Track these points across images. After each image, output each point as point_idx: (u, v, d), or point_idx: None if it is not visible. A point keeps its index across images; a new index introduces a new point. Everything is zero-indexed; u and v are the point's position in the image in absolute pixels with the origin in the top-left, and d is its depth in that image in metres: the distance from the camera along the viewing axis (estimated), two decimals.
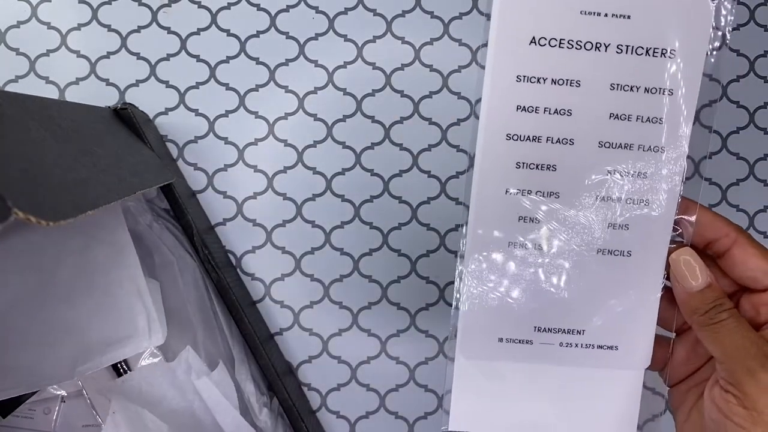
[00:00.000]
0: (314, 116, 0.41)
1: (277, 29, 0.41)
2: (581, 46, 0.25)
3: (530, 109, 0.25)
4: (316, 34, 0.41)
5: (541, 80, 0.25)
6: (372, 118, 0.41)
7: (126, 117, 0.35)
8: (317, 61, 0.41)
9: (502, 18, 0.25)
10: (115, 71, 0.41)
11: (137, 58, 0.41)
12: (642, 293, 0.27)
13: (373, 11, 0.41)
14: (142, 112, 0.39)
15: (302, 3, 0.41)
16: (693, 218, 0.26)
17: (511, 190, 0.26)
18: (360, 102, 0.41)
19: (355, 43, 0.41)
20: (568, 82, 0.25)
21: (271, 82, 0.41)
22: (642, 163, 0.26)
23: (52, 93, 0.40)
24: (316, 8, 0.41)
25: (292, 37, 0.41)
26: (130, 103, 0.37)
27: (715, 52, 0.26)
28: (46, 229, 0.26)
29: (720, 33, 0.26)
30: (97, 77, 0.40)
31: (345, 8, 0.41)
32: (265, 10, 0.41)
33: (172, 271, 0.37)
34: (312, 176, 0.41)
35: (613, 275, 0.26)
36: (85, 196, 0.22)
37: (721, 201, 0.42)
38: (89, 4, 0.40)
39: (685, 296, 0.25)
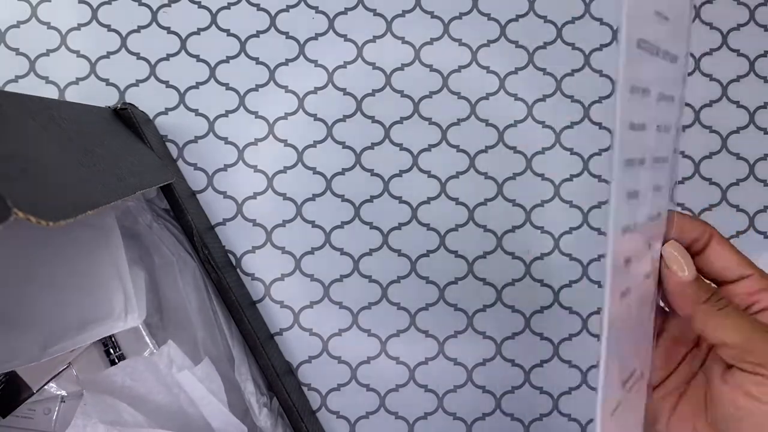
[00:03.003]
0: (314, 116, 0.41)
1: (277, 29, 0.41)
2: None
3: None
4: (316, 34, 0.41)
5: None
6: (372, 118, 0.41)
7: (126, 117, 0.35)
8: (317, 61, 0.41)
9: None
10: (115, 71, 0.41)
11: (137, 58, 0.41)
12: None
13: (373, 11, 0.41)
14: (142, 112, 0.39)
15: (302, 3, 0.41)
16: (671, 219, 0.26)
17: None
18: (360, 102, 0.41)
19: (355, 43, 0.41)
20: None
21: (271, 82, 0.41)
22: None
23: (52, 93, 0.40)
24: (316, 8, 0.41)
25: (292, 37, 0.41)
26: (130, 103, 0.37)
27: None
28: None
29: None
30: (97, 77, 0.40)
31: (345, 8, 0.41)
32: (265, 10, 0.41)
33: (172, 271, 0.37)
34: (312, 176, 0.41)
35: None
36: (85, 196, 0.22)
37: (721, 201, 0.42)
38: (89, 4, 0.40)
39: (682, 287, 0.25)
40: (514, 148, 0.42)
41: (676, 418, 0.27)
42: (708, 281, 0.27)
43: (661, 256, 0.26)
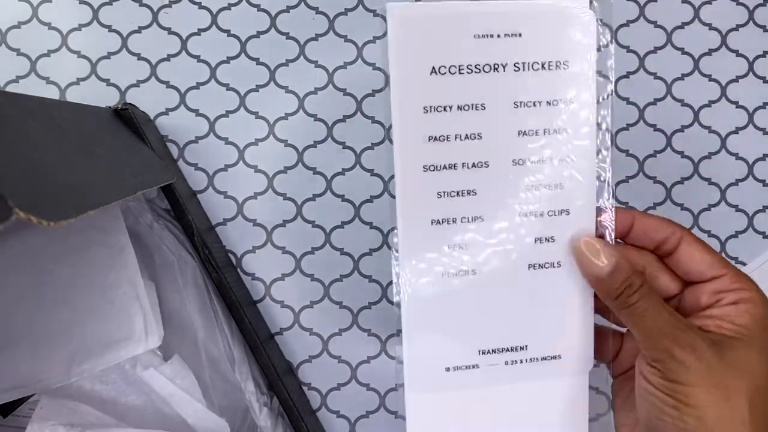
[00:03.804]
0: (314, 116, 0.41)
1: (277, 30, 0.41)
2: (480, 69, 0.25)
3: (441, 138, 0.26)
4: (316, 34, 0.41)
5: (448, 108, 0.26)
6: (372, 118, 0.41)
7: (126, 117, 0.35)
8: (317, 61, 0.41)
9: (398, 52, 0.25)
10: (115, 71, 0.41)
11: (138, 59, 0.41)
12: (576, 300, 0.27)
13: (373, 12, 0.41)
14: (143, 112, 0.39)
15: (302, 3, 0.41)
16: (611, 218, 0.27)
17: (437, 221, 0.26)
18: (360, 102, 0.41)
19: (355, 44, 0.41)
20: (473, 106, 0.26)
21: (272, 83, 0.41)
22: (556, 174, 0.26)
23: (52, 93, 0.40)
24: (316, 9, 0.41)
25: (293, 38, 0.41)
26: (131, 104, 0.38)
27: (603, 48, 0.26)
28: (44, 229, 0.26)
29: (608, 30, 0.26)
30: (98, 77, 0.41)
31: (345, 9, 0.41)
32: (265, 10, 0.41)
33: (173, 271, 0.37)
34: (312, 176, 0.41)
35: (546, 287, 0.27)
36: (86, 196, 0.22)
37: (720, 201, 0.42)
38: (90, 5, 0.40)
39: (595, 283, 0.26)
40: None
41: (633, 395, 0.28)
42: (674, 287, 0.28)
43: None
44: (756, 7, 0.42)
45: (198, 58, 0.41)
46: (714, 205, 0.42)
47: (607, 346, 0.29)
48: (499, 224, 0.26)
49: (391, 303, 0.42)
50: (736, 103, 0.42)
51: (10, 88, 0.40)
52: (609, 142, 0.27)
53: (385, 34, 0.24)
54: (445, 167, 0.26)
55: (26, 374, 0.31)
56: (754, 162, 0.42)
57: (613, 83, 0.27)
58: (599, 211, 0.27)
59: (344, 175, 0.41)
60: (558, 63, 0.26)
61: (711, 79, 0.42)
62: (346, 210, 0.41)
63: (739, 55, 0.42)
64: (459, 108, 0.25)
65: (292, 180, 0.41)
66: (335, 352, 0.42)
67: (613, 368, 0.30)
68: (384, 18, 0.25)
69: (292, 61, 0.41)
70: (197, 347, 0.37)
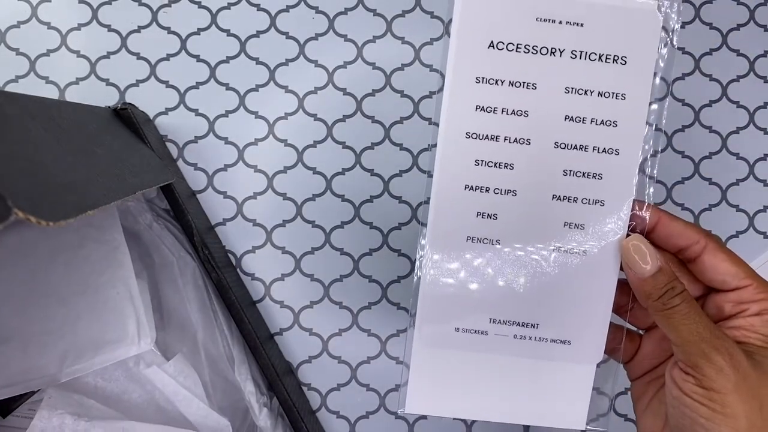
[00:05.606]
0: (314, 116, 0.41)
1: (277, 29, 0.41)
2: (537, 51, 0.26)
3: (488, 109, 0.27)
4: (316, 34, 0.41)
5: (499, 82, 0.26)
6: (372, 118, 0.41)
7: (126, 117, 0.35)
8: (317, 61, 0.41)
9: (462, 23, 0.26)
10: (115, 71, 0.41)
11: (137, 58, 0.41)
12: (596, 291, 0.27)
13: (373, 11, 0.41)
14: (142, 112, 0.39)
15: (302, 3, 0.41)
16: (647, 213, 0.27)
17: (470, 187, 0.27)
18: (360, 102, 0.41)
19: (355, 43, 0.41)
20: (525, 84, 0.26)
21: (271, 82, 0.41)
22: (597, 164, 0.27)
23: (52, 93, 0.40)
24: (316, 8, 0.41)
25: (292, 37, 0.41)
26: (130, 103, 0.37)
27: (665, 54, 0.27)
28: (40, 227, 0.26)
29: (668, 38, 0.27)
30: (97, 77, 0.40)
31: (345, 8, 0.41)
32: (265, 10, 0.41)
33: (172, 271, 0.37)
34: (312, 176, 0.41)
35: (568, 272, 0.27)
36: (85, 196, 0.22)
37: (721, 201, 0.42)
38: (89, 4, 0.40)
39: (638, 282, 0.26)
40: None
41: (657, 401, 0.28)
42: (696, 288, 0.28)
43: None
44: (756, 6, 0.42)
45: (197, 57, 0.41)
46: (715, 205, 0.42)
47: (620, 345, 0.29)
48: (531, 202, 0.27)
49: (392, 303, 0.41)
50: (737, 102, 0.42)
51: (9, 88, 0.40)
52: (659, 143, 0.27)
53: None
54: (487, 137, 0.27)
55: (17, 372, 0.31)
56: (755, 162, 0.42)
57: (671, 85, 0.27)
58: (633, 207, 0.27)
59: (344, 175, 0.41)
60: (616, 57, 0.26)
61: (712, 79, 0.42)
62: (346, 210, 0.41)
63: (740, 54, 0.42)
64: (510, 84, 0.26)
65: (292, 180, 0.41)
66: (335, 353, 0.41)
67: (629, 370, 0.30)
68: None
69: (292, 60, 0.41)
70: (197, 347, 0.37)
